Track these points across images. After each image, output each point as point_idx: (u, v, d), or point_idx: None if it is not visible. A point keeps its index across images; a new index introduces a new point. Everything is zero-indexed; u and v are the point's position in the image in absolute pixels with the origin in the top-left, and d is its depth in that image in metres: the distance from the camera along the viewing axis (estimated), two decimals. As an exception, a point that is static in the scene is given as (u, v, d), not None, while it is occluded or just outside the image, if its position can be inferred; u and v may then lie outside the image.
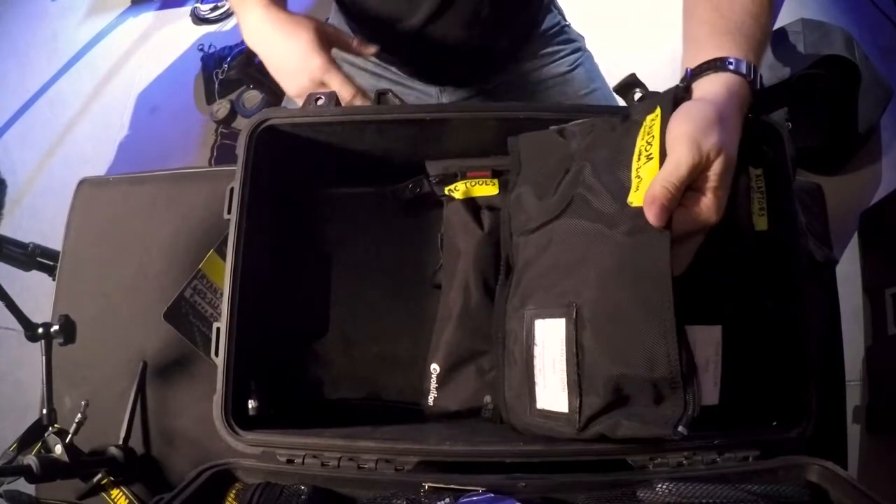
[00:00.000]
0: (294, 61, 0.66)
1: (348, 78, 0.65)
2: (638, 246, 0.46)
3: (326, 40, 0.67)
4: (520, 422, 0.56)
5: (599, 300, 0.48)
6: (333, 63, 0.66)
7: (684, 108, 0.48)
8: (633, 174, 0.48)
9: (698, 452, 0.49)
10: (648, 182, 0.45)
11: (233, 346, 0.54)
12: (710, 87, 0.49)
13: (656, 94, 0.52)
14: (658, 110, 0.49)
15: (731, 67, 0.49)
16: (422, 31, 0.78)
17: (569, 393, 0.50)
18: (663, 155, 0.46)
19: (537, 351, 0.53)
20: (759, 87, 0.50)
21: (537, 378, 0.53)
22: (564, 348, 0.50)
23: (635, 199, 0.47)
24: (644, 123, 0.50)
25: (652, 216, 0.44)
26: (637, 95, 0.54)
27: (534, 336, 0.53)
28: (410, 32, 0.78)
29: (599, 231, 0.50)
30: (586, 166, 0.53)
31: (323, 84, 0.65)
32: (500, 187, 0.66)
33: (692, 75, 0.51)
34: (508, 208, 0.63)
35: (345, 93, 0.64)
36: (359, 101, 0.64)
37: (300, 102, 0.64)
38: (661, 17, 1.66)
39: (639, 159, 0.48)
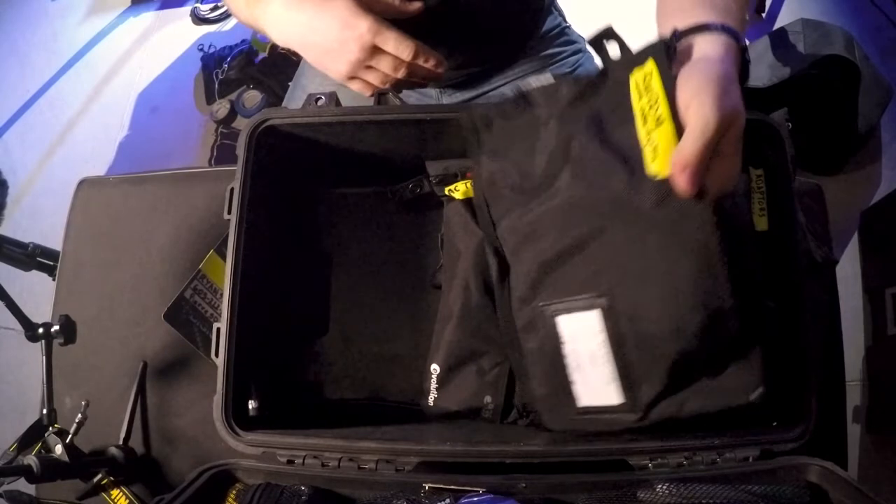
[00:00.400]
0: (336, 32, 0.58)
1: (404, 34, 0.57)
2: (671, 218, 0.43)
3: (365, 4, 0.59)
4: (556, 423, 0.54)
5: (635, 283, 0.46)
6: (383, 21, 0.57)
7: (695, 67, 0.44)
8: (644, 141, 0.44)
9: (698, 453, 0.49)
10: (667, 148, 0.41)
11: (233, 347, 0.54)
12: (709, 47, 0.46)
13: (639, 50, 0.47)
14: (652, 64, 0.44)
15: (724, 30, 0.46)
16: (428, 22, 0.76)
17: (618, 384, 0.48)
18: (676, 116, 0.42)
19: (567, 349, 0.51)
20: (747, 59, 0.48)
21: (573, 377, 0.51)
22: (603, 340, 0.47)
23: (658, 167, 0.43)
24: (634, 81, 0.45)
25: (684, 184, 0.41)
26: (614, 49, 0.49)
27: (558, 335, 0.51)
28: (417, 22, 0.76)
29: (614, 207, 0.46)
30: (575, 137, 0.49)
31: (376, 49, 0.58)
32: (500, 187, 0.65)
33: (681, 34, 0.47)
34: (482, 194, 0.59)
35: (405, 51, 0.57)
36: (422, 60, 0.58)
37: (353, 86, 0.60)
38: (662, 17, 1.66)
39: (645, 123, 0.44)
